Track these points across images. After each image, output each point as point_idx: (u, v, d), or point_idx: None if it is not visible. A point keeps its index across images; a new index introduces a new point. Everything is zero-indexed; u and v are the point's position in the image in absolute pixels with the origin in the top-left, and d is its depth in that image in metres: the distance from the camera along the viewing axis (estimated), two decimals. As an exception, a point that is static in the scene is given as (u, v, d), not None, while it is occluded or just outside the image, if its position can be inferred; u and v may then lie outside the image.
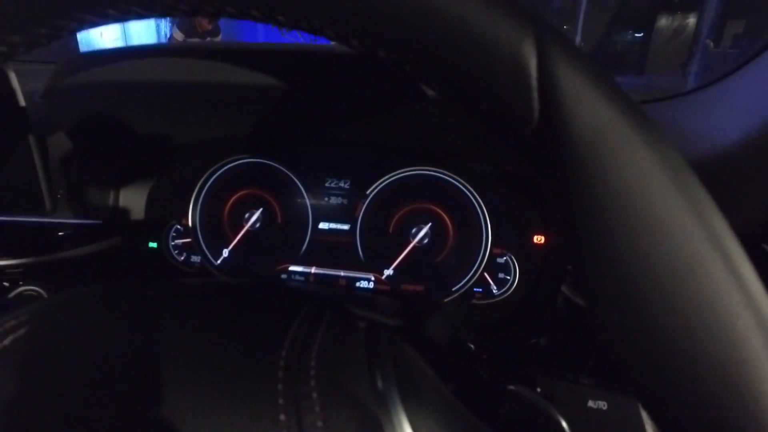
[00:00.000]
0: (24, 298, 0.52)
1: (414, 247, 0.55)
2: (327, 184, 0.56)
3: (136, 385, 0.18)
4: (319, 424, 0.16)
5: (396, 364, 0.21)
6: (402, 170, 0.54)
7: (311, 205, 0.56)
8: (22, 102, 0.53)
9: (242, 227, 0.57)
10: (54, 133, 0.53)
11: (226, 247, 0.58)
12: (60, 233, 0.56)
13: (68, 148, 0.53)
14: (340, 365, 0.20)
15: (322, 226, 0.56)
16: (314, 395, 0.17)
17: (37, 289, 0.54)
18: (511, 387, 0.31)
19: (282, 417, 0.16)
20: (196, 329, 0.21)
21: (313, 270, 0.57)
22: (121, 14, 0.20)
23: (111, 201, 0.57)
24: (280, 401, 0.17)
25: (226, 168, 0.57)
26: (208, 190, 0.58)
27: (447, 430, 0.20)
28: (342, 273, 0.56)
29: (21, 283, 0.55)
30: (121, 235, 0.58)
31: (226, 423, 0.16)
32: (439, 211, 0.54)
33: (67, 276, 0.56)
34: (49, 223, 0.55)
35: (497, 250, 0.54)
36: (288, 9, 0.17)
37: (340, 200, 0.56)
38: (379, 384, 0.20)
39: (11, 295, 0.51)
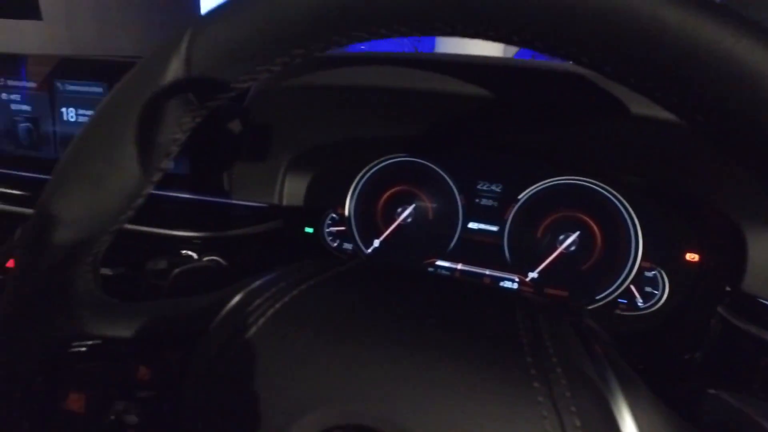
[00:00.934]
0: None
1: (561, 253, 0.57)
2: (479, 187, 0.59)
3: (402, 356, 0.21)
4: (573, 409, 0.19)
5: (607, 354, 0.24)
6: (555, 178, 0.57)
7: (462, 205, 0.60)
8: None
9: (394, 220, 0.62)
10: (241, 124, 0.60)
11: (378, 238, 0.63)
12: (233, 212, 0.63)
13: (241, 137, 0.60)
14: (571, 351, 0.23)
15: (472, 225, 0.60)
16: (563, 381, 0.20)
17: (217, 259, 0.60)
18: (712, 391, 0.32)
19: (540, 398, 0.19)
20: (440, 317, 0.24)
21: (459, 266, 0.60)
22: (391, 33, 0.22)
23: (278, 187, 0.62)
24: (536, 385, 0.19)
25: (384, 164, 0.62)
26: (365, 183, 0.63)
27: (661, 418, 0.22)
28: (487, 272, 0.59)
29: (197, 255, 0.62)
30: (282, 219, 0.64)
31: (494, 404, 0.19)
32: (589, 220, 0.56)
33: (237, 251, 0.63)
34: (226, 203, 0.62)
35: (646, 264, 0.55)
36: (551, 37, 0.19)
37: (490, 202, 0.59)
38: (602, 371, 0.23)
39: (202, 260, 0.57)
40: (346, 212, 0.63)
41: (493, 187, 0.59)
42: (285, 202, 0.63)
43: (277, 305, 0.26)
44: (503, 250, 0.59)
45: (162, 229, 0.61)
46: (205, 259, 0.60)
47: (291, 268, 0.31)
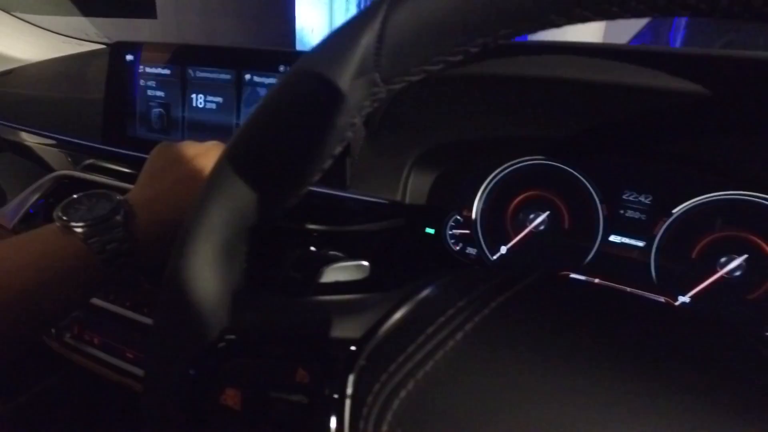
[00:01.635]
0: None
1: (721, 277, 0.50)
2: (625, 196, 0.54)
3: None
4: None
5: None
6: (720, 192, 0.50)
7: (604, 216, 0.55)
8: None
9: (525, 227, 0.58)
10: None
11: (505, 245, 0.59)
12: (354, 207, 0.61)
13: (367, 128, 0.58)
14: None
15: (613, 238, 0.55)
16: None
17: (338, 254, 0.59)
18: None
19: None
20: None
21: (596, 281, 0.55)
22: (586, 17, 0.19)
23: (402, 184, 0.60)
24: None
25: (518, 166, 0.58)
26: (496, 185, 0.59)
27: None
28: (627, 290, 0.54)
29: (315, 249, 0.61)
30: (404, 217, 0.62)
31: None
32: (761, 242, 0.49)
33: (355, 247, 0.61)
34: (347, 196, 0.60)
35: (830, 298, 0.47)
36: None
37: (637, 215, 0.54)
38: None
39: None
40: (473, 215, 0.60)
41: (642, 198, 0.53)
42: (408, 200, 0.61)
43: (476, 319, 0.23)
44: (649, 269, 0.53)
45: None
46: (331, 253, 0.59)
47: (458, 277, 0.28)
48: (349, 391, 0.24)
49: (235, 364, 0.30)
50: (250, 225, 0.31)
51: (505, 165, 0.58)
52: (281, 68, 0.61)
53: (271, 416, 0.29)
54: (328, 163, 0.27)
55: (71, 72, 1.00)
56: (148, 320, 0.63)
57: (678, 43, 1.22)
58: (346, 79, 0.25)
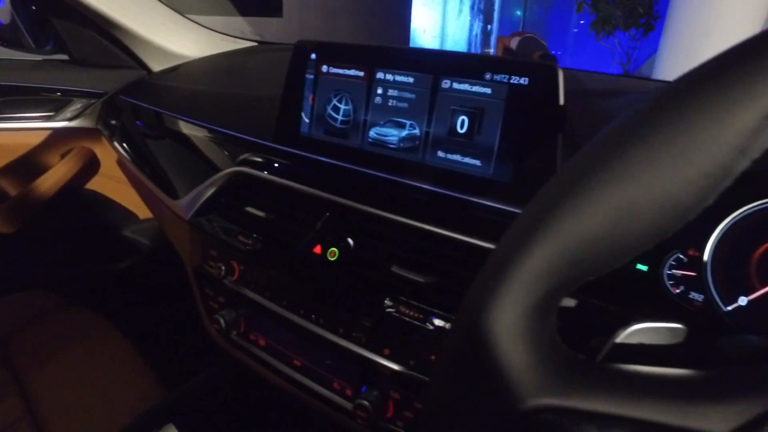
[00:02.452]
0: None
1: None
2: None
3: None
4: None
5: None
6: None
7: None
8: (562, 101, 0.52)
9: (775, 278, 0.48)
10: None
11: (746, 296, 0.50)
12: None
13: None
14: None
15: None
16: None
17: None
18: None
19: None
20: None
21: None
22: None
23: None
24: None
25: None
26: (738, 224, 0.50)
27: None
28: None
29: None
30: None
31: None
32: None
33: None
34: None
35: None
36: None
37: None
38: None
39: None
40: (705, 257, 0.51)
41: None
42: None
43: None
44: None
45: (468, 237, 0.55)
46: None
47: None
48: None
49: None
50: (581, 274, 0.25)
51: (756, 203, 0.49)
52: (487, 76, 0.56)
53: None
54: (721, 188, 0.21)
55: (231, 68, 1.02)
56: (321, 331, 0.61)
57: None
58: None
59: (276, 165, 0.71)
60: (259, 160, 0.73)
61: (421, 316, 0.55)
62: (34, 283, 1.16)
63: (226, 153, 0.79)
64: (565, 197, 0.24)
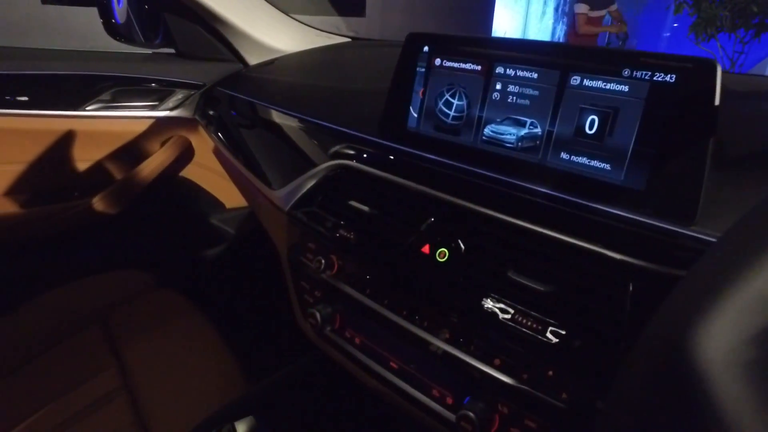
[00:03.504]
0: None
1: None
2: None
3: None
4: None
5: None
6: None
7: None
8: (717, 101, 0.47)
9: None
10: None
11: None
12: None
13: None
14: None
15: None
16: None
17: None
18: None
19: None
20: None
21: None
22: None
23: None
24: None
25: None
26: None
27: None
28: None
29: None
30: None
31: None
32: None
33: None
34: (683, 233, 0.48)
35: None
36: None
37: None
38: None
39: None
40: None
41: None
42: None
43: None
44: None
45: (593, 245, 0.50)
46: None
47: None
48: None
49: None
50: None
51: None
52: (625, 72, 0.51)
53: None
54: None
55: (327, 62, 1.02)
56: (424, 334, 0.59)
57: None
58: None
59: (382, 160, 0.69)
60: (364, 154, 0.71)
61: (539, 327, 0.51)
62: (131, 263, 1.22)
63: (325, 146, 0.78)
64: None
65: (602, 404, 0.46)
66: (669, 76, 0.49)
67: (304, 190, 0.75)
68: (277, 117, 0.89)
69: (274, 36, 1.11)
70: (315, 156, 0.79)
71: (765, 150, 0.50)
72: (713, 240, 0.48)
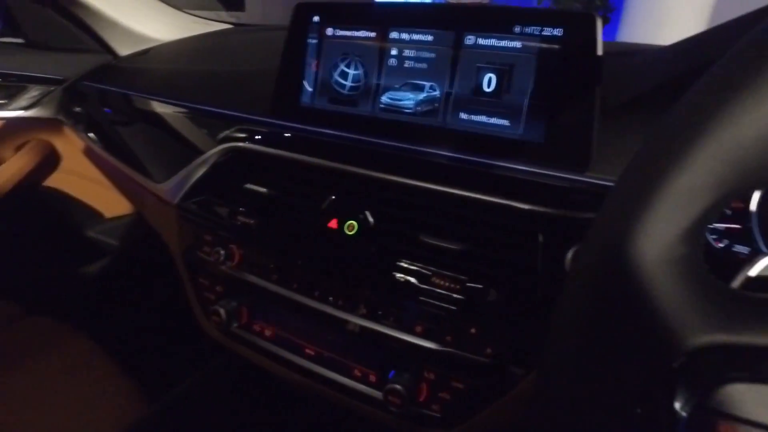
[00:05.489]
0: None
1: None
2: None
3: None
4: None
5: None
6: None
7: None
8: (600, 51, 0.50)
9: (826, 225, 0.47)
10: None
11: (796, 244, 0.48)
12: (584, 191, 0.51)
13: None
14: None
15: None
16: None
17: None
18: None
19: None
20: None
21: None
22: None
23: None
24: None
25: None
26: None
27: None
28: None
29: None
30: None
31: None
32: None
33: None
34: (577, 179, 0.51)
35: None
36: None
37: None
38: None
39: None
40: (752, 206, 0.49)
41: None
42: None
43: None
44: None
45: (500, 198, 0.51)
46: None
47: None
48: None
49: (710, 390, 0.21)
50: (747, 183, 0.22)
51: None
52: (516, 29, 0.52)
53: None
54: None
55: (210, 48, 0.95)
56: (341, 313, 0.56)
57: None
58: None
59: (277, 138, 0.65)
60: (257, 135, 0.66)
61: (456, 287, 0.50)
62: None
63: (214, 132, 0.72)
64: (738, 91, 0.20)
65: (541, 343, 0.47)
66: (557, 30, 0.51)
67: (194, 179, 0.68)
68: (158, 107, 0.81)
69: (147, 23, 1.02)
70: (203, 143, 0.72)
71: (639, 99, 0.54)
72: (609, 184, 0.51)
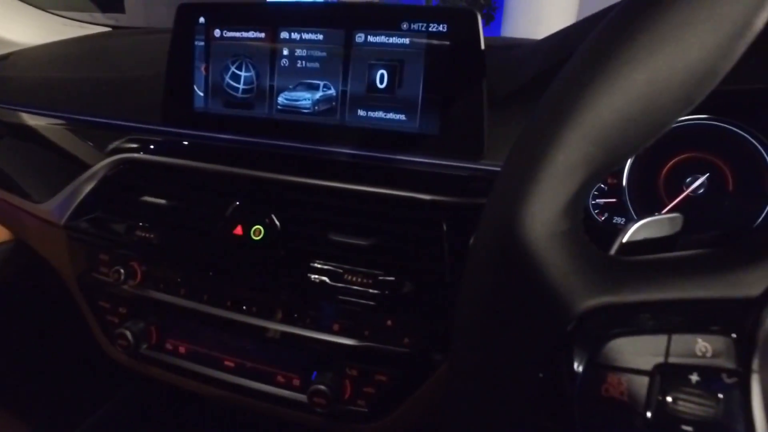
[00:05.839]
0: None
1: None
2: (796, 152, 0.51)
3: None
4: None
5: None
6: None
7: (774, 175, 0.51)
8: (483, 45, 0.53)
9: (681, 191, 0.54)
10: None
11: (658, 212, 0.55)
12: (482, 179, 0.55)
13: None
14: None
15: (787, 197, 0.51)
16: None
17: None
18: None
19: None
20: None
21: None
22: None
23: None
24: None
25: (674, 127, 0.53)
26: (647, 148, 0.54)
27: None
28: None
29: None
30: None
31: None
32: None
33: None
34: (476, 168, 0.54)
35: None
36: None
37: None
38: None
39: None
40: (624, 182, 0.55)
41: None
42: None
43: None
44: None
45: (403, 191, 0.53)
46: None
47: None
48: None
49: (600, 345, 0.24)
50: (614, 159, 0.25)
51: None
52: (404, 25, 0.54)
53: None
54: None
55: (86, 52, 0.88)
56: (256, 320, 0.55)
57: None
58: None
59: (171, 147, 0.62)
60: (150, 145, 0.63)
61: (369, 281, 0.51)
62: None
63: (100, 144, 0.67)
64: (593, 78, 0.23)
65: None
66: (441, 26, 0.53)
67: (82, 195, 0.63)
68: (29, 119, 0.73)
69: (4, 25, 0.91)
70: (88, 156, 0.67)
71: (522, 90, 0.58)
72: (496, 168, 0.54)
